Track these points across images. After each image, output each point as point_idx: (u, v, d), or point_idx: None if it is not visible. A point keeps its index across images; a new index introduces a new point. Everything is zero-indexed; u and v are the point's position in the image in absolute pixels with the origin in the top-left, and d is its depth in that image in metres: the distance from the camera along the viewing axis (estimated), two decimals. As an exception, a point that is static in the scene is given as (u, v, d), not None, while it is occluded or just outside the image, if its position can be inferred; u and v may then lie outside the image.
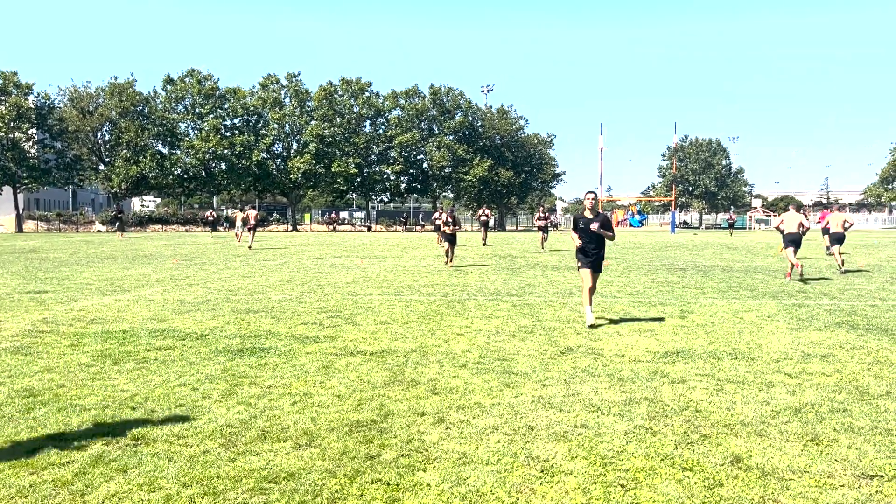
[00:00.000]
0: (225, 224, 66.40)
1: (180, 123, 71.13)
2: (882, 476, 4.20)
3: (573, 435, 4.97)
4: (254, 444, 4.75)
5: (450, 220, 20.37)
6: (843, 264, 18.34)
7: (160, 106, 70.29)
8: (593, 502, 3.84)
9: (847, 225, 19.59)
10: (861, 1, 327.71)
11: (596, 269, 10.09)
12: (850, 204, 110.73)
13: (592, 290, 10.05)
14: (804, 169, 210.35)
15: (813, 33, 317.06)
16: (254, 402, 5.76)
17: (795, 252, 16.10)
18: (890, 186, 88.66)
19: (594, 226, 9.92)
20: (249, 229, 31.70)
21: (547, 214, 31.44)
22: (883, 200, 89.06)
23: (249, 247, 30.70)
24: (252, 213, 32.65)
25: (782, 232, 16.47)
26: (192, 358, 7.49)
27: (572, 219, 10.57)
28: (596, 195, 10.23)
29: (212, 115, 69.93)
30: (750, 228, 76.29)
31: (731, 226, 59.16)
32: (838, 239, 19.14)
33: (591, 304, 9.96)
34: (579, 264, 10.16)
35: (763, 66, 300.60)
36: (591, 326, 9.59)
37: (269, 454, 4.55)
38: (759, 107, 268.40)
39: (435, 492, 3.97)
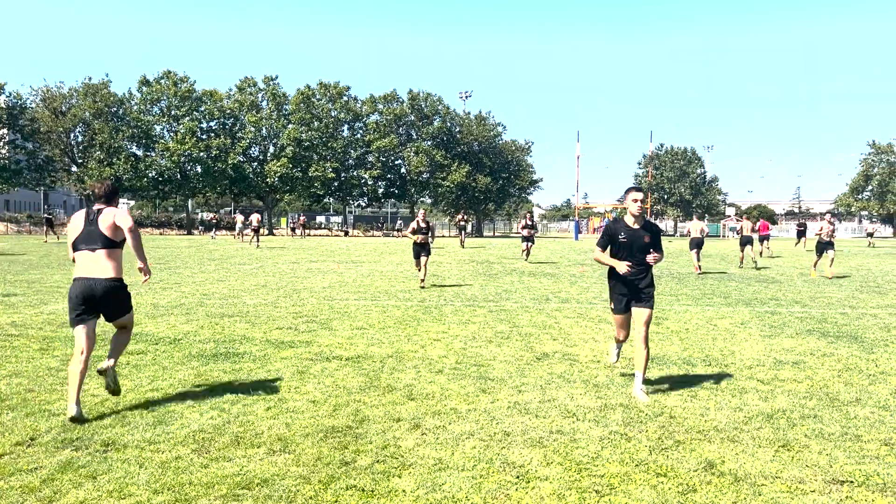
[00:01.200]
0: (200, 227, 65.75)
1: (155, 125, 70.32)
2: (852, 482, 4.26)
3: (549, 441, 4.98)
4: (227, 449, 4.70)
5: (423, 225, 16.28)
6: (743, 261, 23.55)
7: (135, 107, 69.44)
8: (568, 508, 3.85)
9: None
10: (833, 14, 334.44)
11: (646, 301, 6.41)
12: (829, 212, 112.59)
13: (645, 338, 6.31)
14: (777, 179, 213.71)
15: (786, 44, 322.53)
16: (227, 408, 5.70)
17: (698, 253, 20.22)
18: (859, 196, 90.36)
19: (650, 258, 6.31)
20: (254, 230, 36.15)
21: (532, 222, 26.40)
22: (853, 210, 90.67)
23: (257, 246, 35.08)
24: (255, 217, 36.83)
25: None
26: (164, 363, 7.39)
27: (604, 232, 6.63)
28: (645, 195, 7.27)
29: (188, 118, 69.24)
30: (723, 237, 77.26)
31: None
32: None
33: (643, 371, 6.32)
34: (613, 304, 6.62)
35: (738, 75, 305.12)
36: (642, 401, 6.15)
37: (243, 460, 4.50)
38: (734, 116, 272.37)
39: (410, 498, 3.96)
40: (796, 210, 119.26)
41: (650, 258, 6.31)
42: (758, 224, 30.76)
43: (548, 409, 5.78)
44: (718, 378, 6.97)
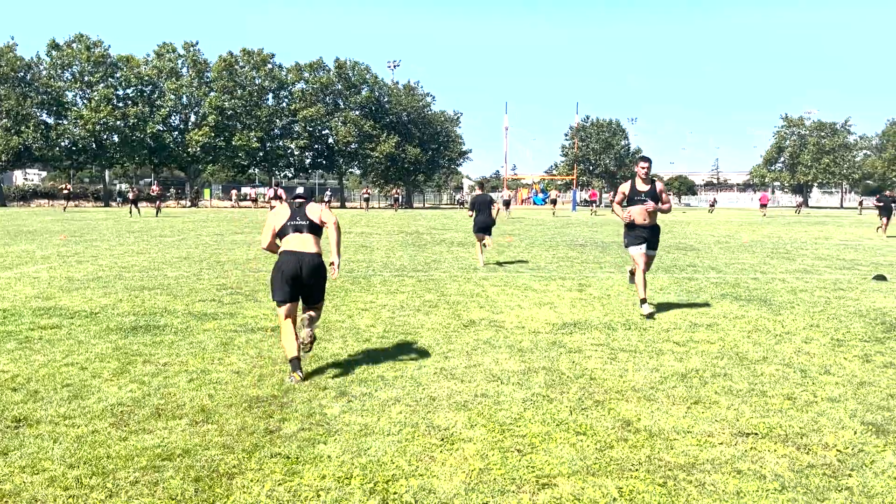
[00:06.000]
0: (118, 199, 63.25)
1: (67, 92, 66.90)
2: (756, 434, 4.51)
3: (473, 404, 5.07)
4: (147, 422, 4.60)
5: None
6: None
7: (44, 73, 65.80)
8: (491, 467, 3.95)
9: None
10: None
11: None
12: (737, 184, 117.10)
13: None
14: (697, 151, 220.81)
15: (705, 23, 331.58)
16: (148, 381, 5.56)
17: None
18: (772, 168, 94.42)
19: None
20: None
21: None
22: (766, 181, 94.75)
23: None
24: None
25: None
26: (80, 337, 7.13)
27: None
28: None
29: (102, 84, 66.08)
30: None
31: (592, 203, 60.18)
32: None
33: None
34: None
35: (660, 49, 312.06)
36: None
37: (164, 432, 4.42)
38: (656, 89, 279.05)
39: (335, 463, 3.98)
40: (715, 181, 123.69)
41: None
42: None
43: (473, 374, 5.88)
44: (637, 341, 7.23)
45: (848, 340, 7.31)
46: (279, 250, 5.99)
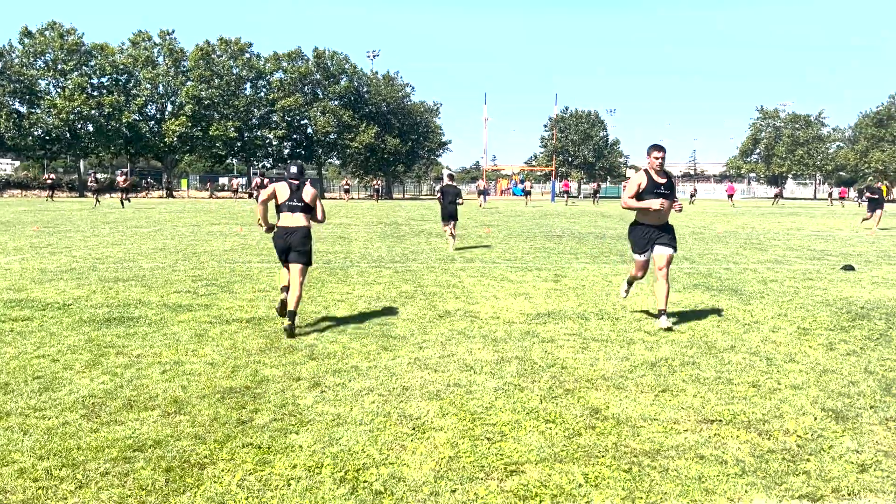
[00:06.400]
0: (92, 189, 62.30)
1: (40, 80, 65.68)
2: (721, 420, 4.63)
3: (445, 393, 5.14)
4: (119, 413, 4.60)
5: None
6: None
7: (16, 60, 64.55)
8: (460, 455, 4.01)
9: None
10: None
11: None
12: (714, 175, 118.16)
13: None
14: (675, 142, 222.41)
15: (683, 14, 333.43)
16: (120, 372, 5.56)
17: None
18: (748, 159, 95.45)
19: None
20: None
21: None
22: (742, 172, 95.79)
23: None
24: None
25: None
26: (52, 328, 7.09)
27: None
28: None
29: (76, 73, 64.96)
30: (625, 198, 79.96)
31: (595, 194, 62.09)
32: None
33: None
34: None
35: (640, 41, 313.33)
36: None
37: (136, 423, 4.43)
38: (635, 81, 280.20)
39: (306, 452, 4.02)
40: (692, 172, 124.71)
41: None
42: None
43: (447, 364, 5.94)
44: (609, 331, 7.34)
45: (814, 329, 7.48)
46: (276, 224, 7.42)
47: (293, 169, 7.56)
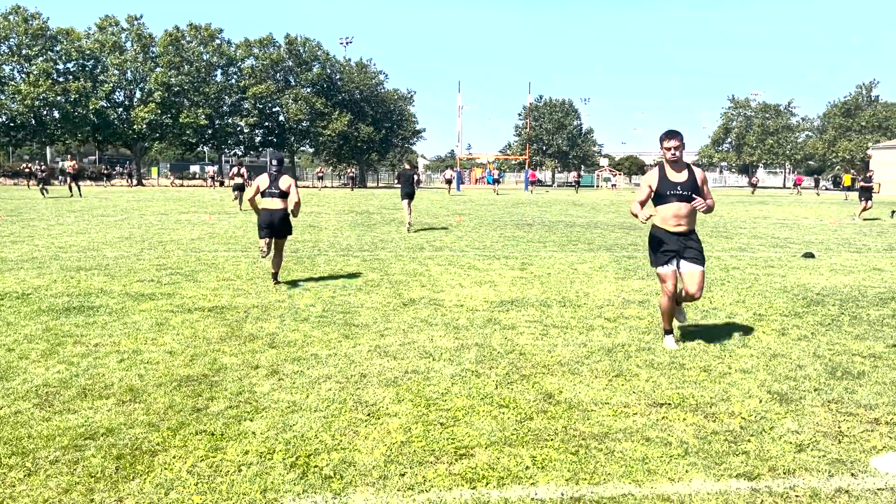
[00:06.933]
0: (59, 178, 61.29)
1: (4, 66, 64.21)
2: (670, 404, 4.74)
3: (403, 380, 5.19)
4: (72, 402, 4.59)
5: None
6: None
7: (-22, 45, 63.05)
8: (412, 440, 4.07)
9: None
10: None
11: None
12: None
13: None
14: (647, 131, 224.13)
15: (657, 5, 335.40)
16: (77, 361, 5.53)
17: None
18: (720, 148, 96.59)
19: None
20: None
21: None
22: (714, 161, 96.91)
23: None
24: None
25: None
26: (9, 318, 7.01)
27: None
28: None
29: (41, 58, 63.62)
30: (597, 187, 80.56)
31: (577, 184, 64.79)
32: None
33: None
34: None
35: (614, 31, 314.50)
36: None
37: (89, 412, 4.42)
38: (609, 70, 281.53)
39: (259, 439, 4.05)
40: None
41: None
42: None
43: (406, 351, 5.99)
44: (570, 317, 7.44)
45: (769, 315, 7.65)
46: (260, 207, 9.24)
47: (274, 161, 9.36)
